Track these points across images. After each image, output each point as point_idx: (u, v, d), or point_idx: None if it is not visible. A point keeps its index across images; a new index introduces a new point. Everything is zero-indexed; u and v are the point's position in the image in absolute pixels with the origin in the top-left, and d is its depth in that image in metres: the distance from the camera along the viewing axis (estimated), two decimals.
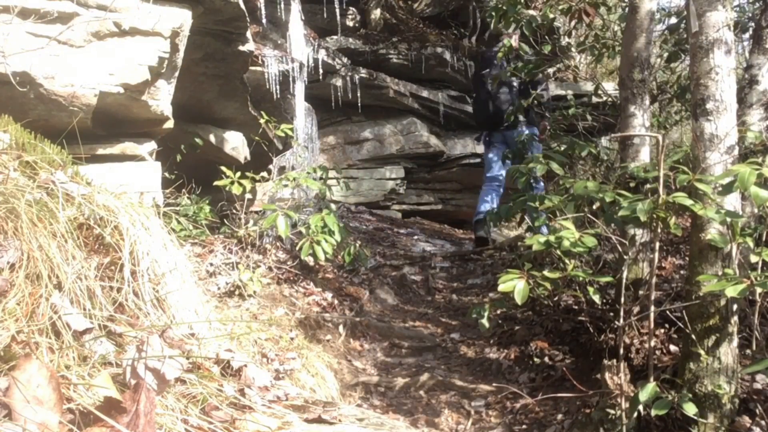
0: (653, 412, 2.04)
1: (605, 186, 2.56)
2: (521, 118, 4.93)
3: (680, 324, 2.29)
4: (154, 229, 1.69)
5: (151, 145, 3.41)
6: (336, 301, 3.83)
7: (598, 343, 2.82)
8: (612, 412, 2.25)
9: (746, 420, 2.13)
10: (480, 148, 8.02)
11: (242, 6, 3.76)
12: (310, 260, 3.89)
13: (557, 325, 3.22)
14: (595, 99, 6.22)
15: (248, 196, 4.39)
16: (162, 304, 1.58)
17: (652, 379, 2.19)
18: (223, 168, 4.01)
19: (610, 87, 6.51)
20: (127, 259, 1.53)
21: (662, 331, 2.68)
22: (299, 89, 5.80)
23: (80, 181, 1.75)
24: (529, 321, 3.44)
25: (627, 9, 3.35)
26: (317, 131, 7.10)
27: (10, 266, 1.30)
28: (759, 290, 1.93)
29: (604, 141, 6.31)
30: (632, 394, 2.18)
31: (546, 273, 2.39)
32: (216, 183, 3.93)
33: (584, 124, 4.80)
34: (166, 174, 3.99)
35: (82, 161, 1.94)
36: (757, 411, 2.14)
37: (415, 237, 6.43)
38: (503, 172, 5.17)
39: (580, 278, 2.53)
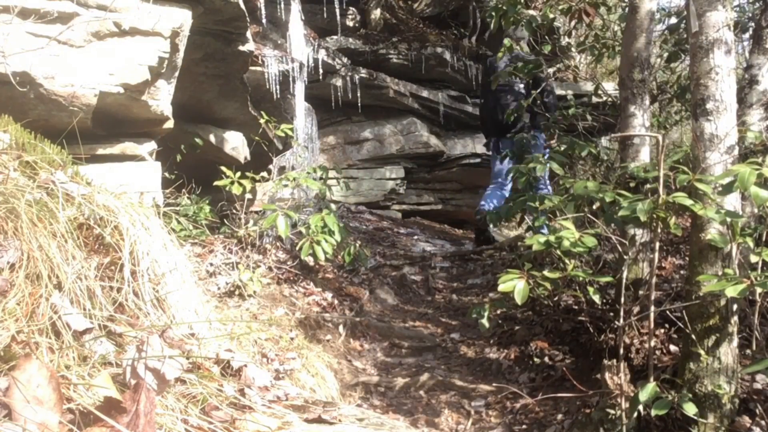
0: (653, 412, 2.04)
1: (605, 186, 2.56)
2: (525, 121, 4.94)
3: (680, 324, 2.29)
4: (154, 229, 1.69)
5: (151, 145, 3.42)
6: (336, 301, 3.83)
7: (598, 343, 2.82)
8: (612, 412, 2.25)
9: (746, 420, 2.13)
10: (480, 148, 8.05)
11: (242, 6, 3.76)
12: (310, 260, 3.89)
13: (557, 325, 3.22)
14: (595, 99, 6.22)
15: (248, 196, 4.39)
16: (162, 304, 1.58)
17: (652, 379, 2.19)
18: (223, 168, 4.01)
19: (610, 87, 6.51)
20: (127, 259, 1.53)
21: (662, 331, 2.68)
22: (299, 89, 5.80)
23: (80, 181, 1.75)
24: (529, 321, 3.44)
25: (627, 9, 3.35)
26: (317, 131, 7.10)
27: (10, 266, 1.30)
28: (759, 290, 1.93)
29: (604, 141, 6.30)
30: (632, 394, 2.18)
31: (546, 273, 2.40)
32: (216, 183, 3.93)
33: (584, 124, 4.80)
34: (166, 174, 3.99)
35: (82, 161, 1.94)
36: (757, 411, 2.14)
37: (415, 237, 6.43)
38: (510, 182, 5.19)
39: (580, 278, 2.53)
